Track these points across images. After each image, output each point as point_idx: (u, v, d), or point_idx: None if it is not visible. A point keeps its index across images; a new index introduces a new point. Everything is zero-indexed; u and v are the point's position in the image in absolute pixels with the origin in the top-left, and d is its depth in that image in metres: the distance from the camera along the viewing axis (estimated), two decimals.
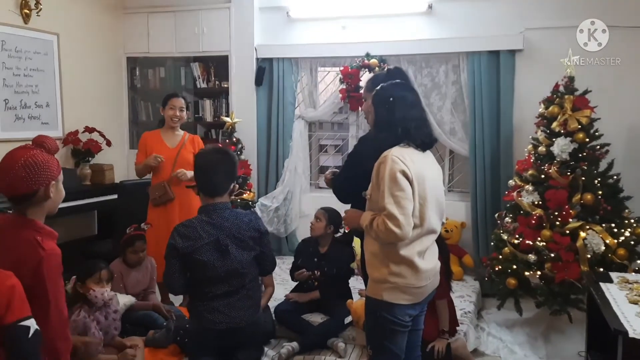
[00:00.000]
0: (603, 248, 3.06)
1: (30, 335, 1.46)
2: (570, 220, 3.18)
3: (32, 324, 1.47)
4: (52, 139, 1.71)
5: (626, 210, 3.26)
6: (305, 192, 4.97)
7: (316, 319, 3.24)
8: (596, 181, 3.24)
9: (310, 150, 5.06)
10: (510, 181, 3.68)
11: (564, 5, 4.04)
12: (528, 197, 3.39)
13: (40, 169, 1.61)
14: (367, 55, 4.49)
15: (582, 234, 3.11)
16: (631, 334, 1.92)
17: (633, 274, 2.87)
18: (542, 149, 3.43)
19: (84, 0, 4.61)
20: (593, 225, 3.15)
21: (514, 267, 3.30)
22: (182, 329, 2.66)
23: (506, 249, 3.38)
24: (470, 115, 4.30)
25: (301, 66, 4.81)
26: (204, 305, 2.22)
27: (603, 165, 3.36)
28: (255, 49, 4.75)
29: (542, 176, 3.37)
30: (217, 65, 4.97)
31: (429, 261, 2.02)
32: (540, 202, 3.34)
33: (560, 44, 3.72)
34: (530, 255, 3.22)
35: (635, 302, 2.23)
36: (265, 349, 3.05)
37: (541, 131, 3.51)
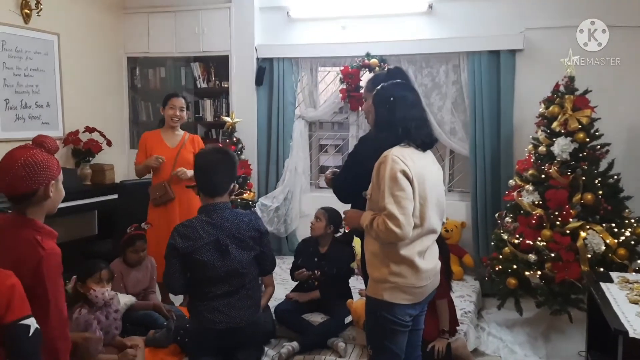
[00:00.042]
0: (603, 248, 3.06)
1: (30, 334, 1.46)
2: (571, 220, 3.18)
3: (32, 323, 1.48)
4: (52, 138, 1.71)
5: (626, 210, 3.26)
6: (306, 192, 4.97)
7: (316, 318, 3.24)
8: (596, 181, 3.24)
9: (310, 150, 5.06)
10: (511, 181, 3.68)
11: (565, 5, 4.04)
12: (528, 197, 3.39)
13: (40, 168, 1.61)
14: (368, 55, 4.49)
15: (583, 234, 3.11)
16: (631, 334, 1.92)
17: (633, 273, 2.87)
18: (542, 148, 3.43)
19: (85, 0, 4.61)
20: (593, 225, 3.15)
21: (514, 267, 3.30)
22: (183, 329, 2.66)
23: (506, 248, 3.38)
24: (470, 115, 4.30)
25: (301, 66, 4.81)
26: (204, 305, 2.22)
27: (603, 165, 3.36)
28: (256, 49, 4.75)
29: (543, 176, 3.37)
30: (218, 65, 4.97)
31: (430, 261, 2.02)
32: (541, 202, 3.34)
33: (560, 44, 3.72)
34: (530, 255, 3.22)
35: (635, 302, 2.23)
36: (266, 348, 3.05)
37: (541, 131, 3.51)
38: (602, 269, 2.99)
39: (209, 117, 5.05)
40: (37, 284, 1.56)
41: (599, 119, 3.38)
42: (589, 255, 3.07)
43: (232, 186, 2.33)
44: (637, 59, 3.89)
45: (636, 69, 3.89)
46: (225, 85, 4.92)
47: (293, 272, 3.37)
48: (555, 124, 3.37)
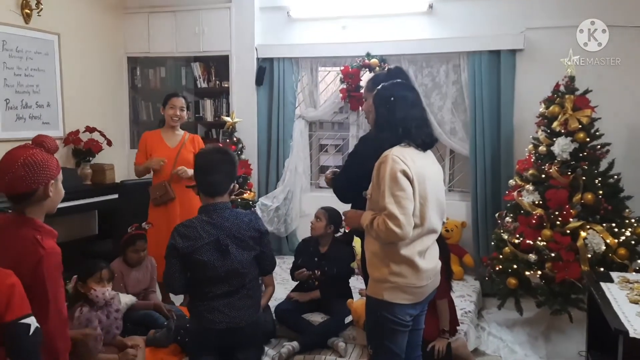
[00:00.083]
0: (603, 248, 3.06)
1: (30, 333, 1.46)
2: (571, 219, 3.18)
3: (32, 321, 1.48)
4: (51, 138, 1.71)
5: (627, 210, 3.26)
6: (306, 191, 4.98)
7: (316, 318, 3.24)
8: (597, 181, 3.24)
9: (310, 150, 5.06)
10: (511, 181, 3.68)
11: (565, 5, 4.04)
12: (528, 197, 3.39)
13: (40, 168, 1.61)
14: (368, 55, 4.49)
15: (583, 234, 3.11)
16: (632, 334, 1.92)
17: (634, 273, 2.87)
18: (542, 148, 3.43)
19: (85, 0, 4.61)
20: (594, 225, 3.15)
21: (515, 266, 3.30)
22: (183, 329, 2.66)
23: (507, 248, 3.38)
24: (470, 115, 4.30)
25: (302, 66, 4.81)
26: (204, 305, 2.22)
27: (604, 165, 3.36)
28: (256, 49, 4.75)
29: (543, 176, 3.37)
30: (218, 65, 4.97)
31: (430, 261, 2.02)
32: (541, 202, 3.34)
33: (560, 44, 3.72)
34: (530, 255, 3.22)
35: (635, 302, 2.23)
36: (266, 348, 3.05)
37: (542, 131, 3.51)
38: (602, 269, 3.00)
39: (209, 117, 5.05)
40: (37, 283, 1.56)
41: (599, 118, 3.38)
42: (589, 255, 3.07)
43: (232, 186, 2.32)
44: (637, 59, 3.88)
45: (636, 68, 3.89)
46: (226, 85, 4.92)
47: (293, 272, 3.37)
48: (555, 124, 3.37)
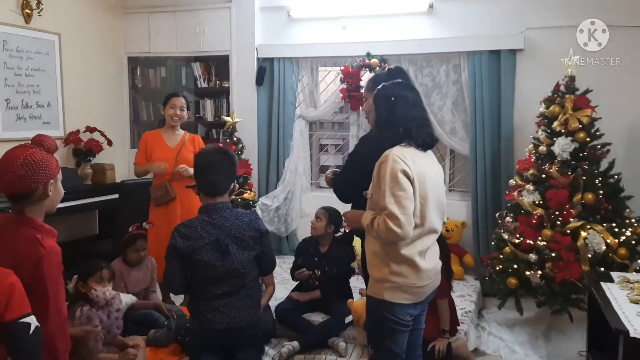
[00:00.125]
0: (604, 248, 3.06)
1: (31, 332, 1.46)
2: (571, 219, 3.18)
3: (32, 320, 1.48)
4: (51, 138, 1.71)
5: (627, 210, 3.26)
6: (306, 191, 4.98)
7: (317, 318, 3.24)
8: (597, 181, 3.24)
9: (310, 150, 5.06)
10: (511, 181, 3.68)
11: (565, 5, 4.04)
12: (529, 197, 3.39)
13: (39, 167, 1.62)
14: (368, 55, 4.49)
15: (583, 234, 3.11)
16: (632, 334, 1.92)
17: (634, 273, 2.87)
18: (542, 148, 3.43)
19: (85, 1, 4.62)
20: (594, 225, 3.15)
21: (515, 266, 3.30)
22: (183, 328, 2.66)
23: (507, 248, 3.39)
24: (470, 114, 4.30)
25: (302, 66, 4.81)
26: (204, 305, 2.22)
27: (604, 165, 3.36)
28: (256, 49, 4.76)
29: (543, 176, 3.37)
30: (218, 65, 4.97)
31: (430, 261, 2.02)
32: (541, 202, 3.34)
33: (561, 44, 3.72)
34: (531, 254, 3.22)
35: (636, 302, 2.23)
36: (266, 348, 3.05)
37: (542, 130, 3.51)
38: (602, 269, 3.00)
39: (209, 117, 5.05)
40: (38, 282, 1.56)
41: (600, 118, 3.38)
42: (590, 255, 3.07)
43: (232, 186, 2.33)
44: (637, 59, 3.88)
45: (636, 68, 3.89)
46: (226, 85, 4.92)
47: (293, 272, 3.37)
48: (555, 124, 3.37)
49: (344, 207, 2.53)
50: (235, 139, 4.65)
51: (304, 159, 4.92)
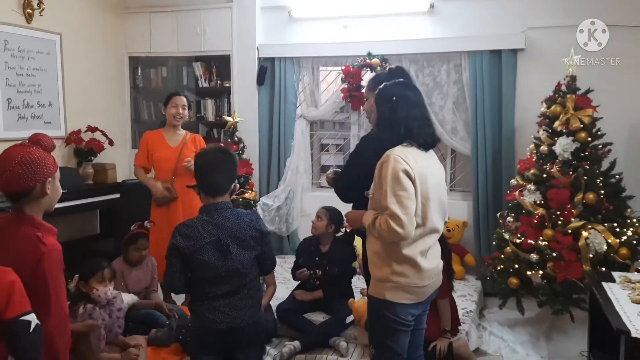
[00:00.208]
0: (605, 247, 3.06)
1: (31, 330, 1.47)
2: (573, 219, 3.18)
3: (32, 318, 1.48)
4: (48, 136, 1.72)
5: (628, 210, 3.26)
6: (307, 191, 4.97)
7: (318, 318, 3.24)
8: (598, 180, 3.23)
9: (311, 150, 5.05)
10: (512, 180, 3.67)
11: (566, 5, 4.04)
12: (530, 197, 3.39)
13: (37, 165, 1.62)
14: (369, 55, 4.49)
15: (584, 234, 3.11)
16: (633, 334, 1.92)
17: (635, 273, 2.87)
18: (544, 148, 3.43)
19: (86, 0, 4.62)
20: (595, 225, 3.15)
21: (516, 266, 3.30)
22: (185, 328, 2.67)
23: (508, 248, 3.38)
24: (472, 114, 4.30)
25: (303, 65, 4.81)
26: (204, 305, 2.22)
27: (605, 165, 3.35)
28: (257, 49, 4.76)
29: (544, 175, 3.37)
30: (219, 65, 4.98)
31: (432, 260, 2.02)
32: (542, 202, 3.34)
33: (562, 43, 3.72)
34: (532, 254, 3.22)
35: (637, 302, 2.23)
36: (267, 348, 3.06)
37: (543, 130, 3.51)
38: (604, 269, 2.99)
39: (210, 117, 5.05)
40: (39, 280, 1.56)
41: (601, 118, 3.38)
42: (591, 255, 3.07)
43: (233, 186, 2.33)
44: (637, 59, 3.88)
45: (637, 68, 3.89)
46: (227, 85, 4.92)
47: (294, 272, 3.37)
48: (557, 124, 3.36)
49: (345, 207, 2.53)
50: (236, 138, 4.66)
51: (304, 159, 4.92)
